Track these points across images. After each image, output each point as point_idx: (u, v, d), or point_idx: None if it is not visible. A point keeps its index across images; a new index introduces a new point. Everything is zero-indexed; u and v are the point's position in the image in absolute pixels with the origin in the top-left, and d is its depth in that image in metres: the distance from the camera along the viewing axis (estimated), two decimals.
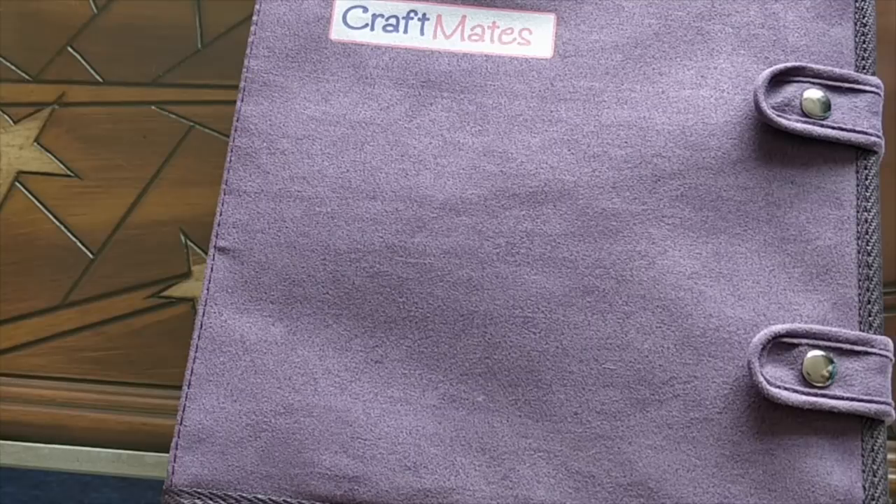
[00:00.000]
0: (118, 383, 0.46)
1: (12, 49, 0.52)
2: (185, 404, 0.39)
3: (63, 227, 0.48)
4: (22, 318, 0.47)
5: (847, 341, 0.38)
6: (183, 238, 0.48)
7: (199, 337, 0.40)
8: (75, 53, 0.51)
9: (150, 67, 0.51)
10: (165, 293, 0.47)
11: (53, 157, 0.50)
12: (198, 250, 0.48)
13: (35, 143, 0.50)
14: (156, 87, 0.51)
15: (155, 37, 0.52)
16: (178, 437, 0.39)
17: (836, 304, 0.40)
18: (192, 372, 0.40)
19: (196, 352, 0.40)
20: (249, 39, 0.45)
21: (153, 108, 0.50)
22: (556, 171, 0.42)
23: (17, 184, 0.49)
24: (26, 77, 0.51)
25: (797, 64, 0.42)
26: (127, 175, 0.49)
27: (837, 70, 0.42)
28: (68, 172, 0.49)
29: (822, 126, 0.41)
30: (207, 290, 0.41)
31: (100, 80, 0.51)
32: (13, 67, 0.51)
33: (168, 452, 0.42)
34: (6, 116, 0.51)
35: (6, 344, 0.47)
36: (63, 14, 0.52)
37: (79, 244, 0.48)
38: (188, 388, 0.39)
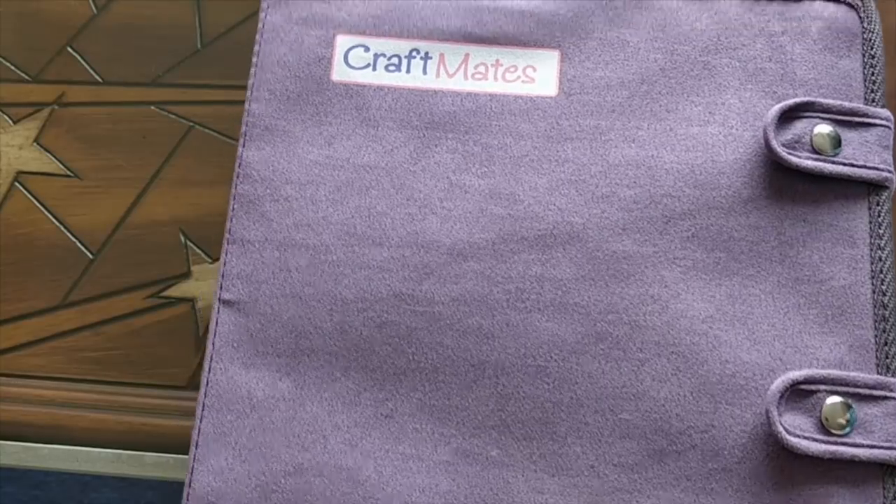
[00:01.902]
0: (118, 383, 0.46)
1: (12, 49, 0.52)
2: (193, 466, 0.38)
3: (63, 228, 0.49)
4: (22, 318, 0.47)
5: (865, 386, 0.38)
6: (182, 238, 0.48)
7: (205, 394, 0.39)
8: (75, 53, 0.52)
9: (150, 67, 0.51)
10: (165, 293, 0.47)
11: (53, 157, 0.50)
12: (197, 250, 0.48)
13: (35, 143, 0.50)
14: (156, 87, 0.51)
15: (155, 37, 0.52)
16: (188, 500, 0.38)
17: (852, 346, 0.39)
18: (199, 432, 0.39)
19: (203, 410, 0.39)
20: (250, 82, 0.44)
21: (153, 108, 0.50)
22: (565, 213, 0.41)
23: (17, 184, 0.49)
24: (26, 77, 0.51)
25: (806, 99, 0.41)
26: (127, 175, 0.49)
27: (847, 104, 0.42)
28: (68, 172, 0.49)
29: (832, 163, 0.41)
30: (213, 344, 0.40)
31: (100, 80, 0.51)
32: (13, 67, 0.51)
33: (167, 452, 0.43)
34: (6, 116, 0.51)
35: (6, 344, 0.47)
36: (63, 14, 0.52)
37: (79, 244, 0.48)
38: (196, 449, 0.39)
